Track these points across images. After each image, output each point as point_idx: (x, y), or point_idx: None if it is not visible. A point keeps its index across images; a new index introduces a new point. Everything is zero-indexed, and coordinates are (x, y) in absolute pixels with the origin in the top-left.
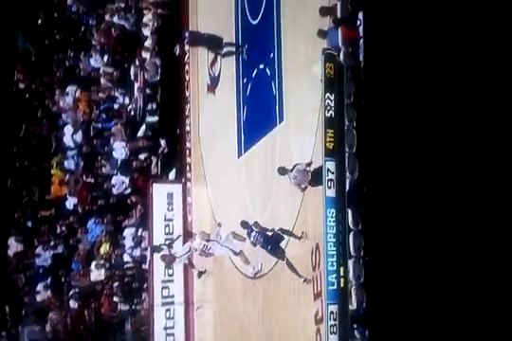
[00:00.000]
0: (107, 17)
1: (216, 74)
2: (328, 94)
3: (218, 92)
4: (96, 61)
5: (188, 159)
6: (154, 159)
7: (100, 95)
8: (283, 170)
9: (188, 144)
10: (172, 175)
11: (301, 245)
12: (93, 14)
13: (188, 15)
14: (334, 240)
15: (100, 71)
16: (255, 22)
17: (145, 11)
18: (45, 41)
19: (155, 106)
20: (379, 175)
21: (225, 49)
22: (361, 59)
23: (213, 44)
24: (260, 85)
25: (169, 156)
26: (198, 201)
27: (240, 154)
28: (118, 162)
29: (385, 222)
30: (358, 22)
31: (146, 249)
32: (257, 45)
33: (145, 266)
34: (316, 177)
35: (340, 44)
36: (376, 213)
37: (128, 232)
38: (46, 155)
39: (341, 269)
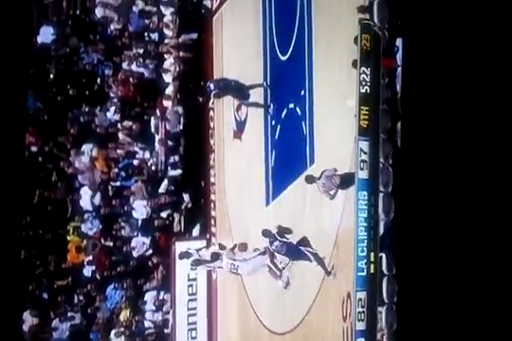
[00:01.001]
0: (124, 65)
1: (243, 118)
2: (364, 68)
3: (245, 138)
4: (113, 114)
5: (213, 213)
6: (176, 216)
7: (119, 151)
8: (310, 179)
9: (212, 196)
10: (196, 231)
11: (331, 292)
12: (109, 64)
13: (212, 56)
14: (365, 224)
15: (118, 126)
16: (285, 57)
17: (166, 56)
18: (58, 97)
19: (177, 159)
20: (416, 217)
21: (252, 92)
22: (398, 89)
23: (241, 92)
24: (290, 126)
25: (192, 211)
26: None
27: (268, 202)
28: (139, 222)
29: (420, 266)
30: (396, 49)
31: (168, 313)
32: (287, 83)
33: (167, 330)
34: (345, 179)
35: None
36: (411, 257)
37: (149, 296)
38: (62, 221)
39: (372, 255)
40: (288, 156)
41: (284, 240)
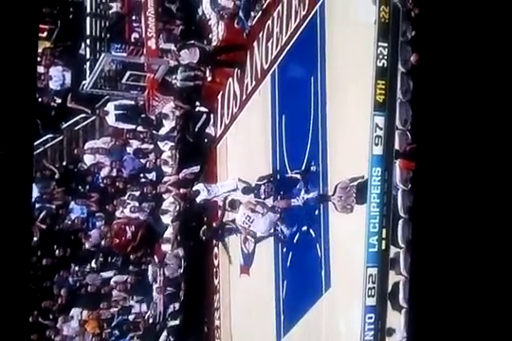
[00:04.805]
0: (118, 213)
1: (250, 250)
2: (381, 41)
3: (253, 271)
4: (106, 270)
5: None
6: None
7: (112, 310)
8: (324, 198)
9: None
10: None
11: None
12: (100, 215)
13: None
14: (377, 200)
15: (112, 282)
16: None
17: (164, 195)
18: (44, 261)
19: (177, 306)
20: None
21: None
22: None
23: None
24: (303, 251)
25: None
26: None
27: (279, 340)
28: None
29: None
30: None
31: None
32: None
33: None
34: (361, 190)
35: (398, 181)
36: None
37: None
38: None
39: (383, 231)
40: (302, 284)
41: (266, 180)
